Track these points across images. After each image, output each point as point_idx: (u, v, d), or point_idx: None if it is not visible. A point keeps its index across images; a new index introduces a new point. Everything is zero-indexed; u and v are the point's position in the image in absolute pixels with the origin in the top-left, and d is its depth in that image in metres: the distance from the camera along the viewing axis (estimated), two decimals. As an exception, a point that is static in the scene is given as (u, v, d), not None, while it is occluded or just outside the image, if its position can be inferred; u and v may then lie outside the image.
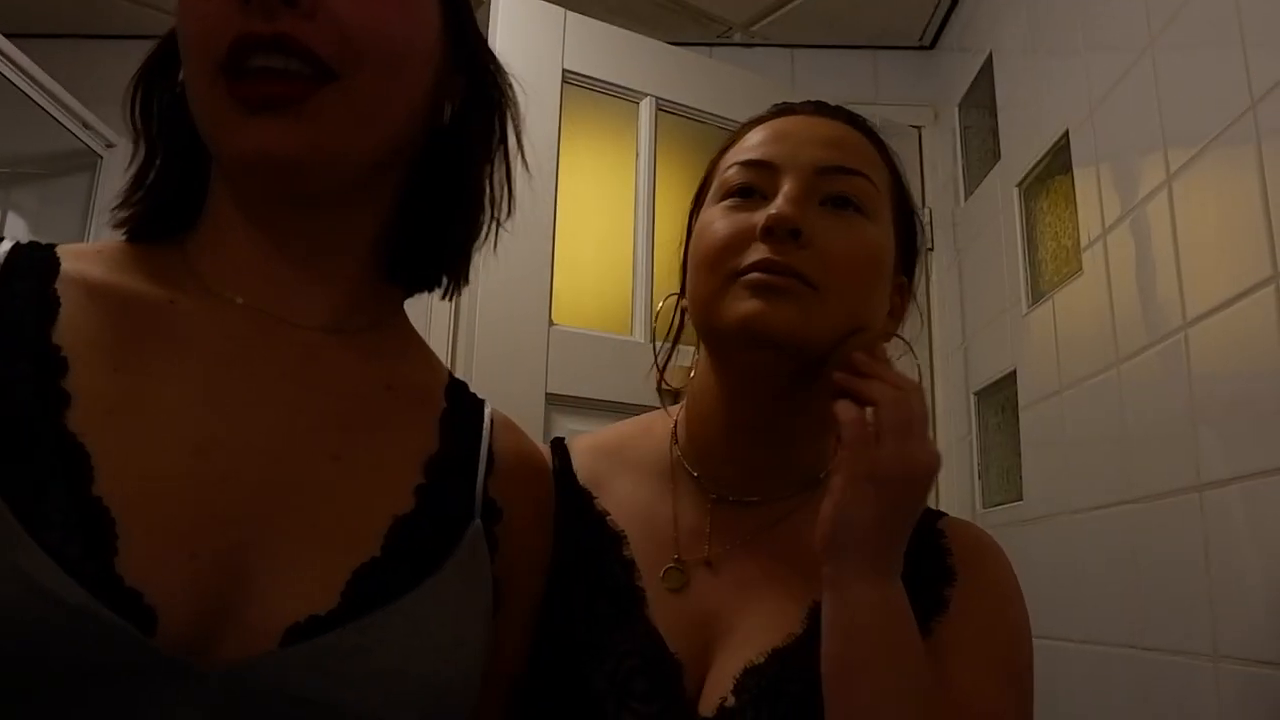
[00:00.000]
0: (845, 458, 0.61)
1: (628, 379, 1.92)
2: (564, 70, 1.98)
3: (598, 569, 0.70)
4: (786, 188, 0.68)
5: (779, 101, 0.79)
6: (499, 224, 0.67)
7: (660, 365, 0.80)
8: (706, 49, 2.50)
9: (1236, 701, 1.11)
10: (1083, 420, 1.51)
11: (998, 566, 0.72)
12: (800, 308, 0.65)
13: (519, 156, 0.67)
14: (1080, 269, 1.57)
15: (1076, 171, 1.60)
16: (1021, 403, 1.76)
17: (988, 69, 2.05)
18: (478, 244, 0.67)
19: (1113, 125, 1.48)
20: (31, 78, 2.14)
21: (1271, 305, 1.06)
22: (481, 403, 0.68)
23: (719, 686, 0.64)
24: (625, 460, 0.78)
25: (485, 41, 0.64)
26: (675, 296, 0.79)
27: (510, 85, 0.66)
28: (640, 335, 1.97)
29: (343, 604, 0.49)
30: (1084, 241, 1.56)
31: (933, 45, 2.45)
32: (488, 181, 0.66)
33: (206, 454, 0.50)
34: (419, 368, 0.65)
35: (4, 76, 2.08)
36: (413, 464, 0.58)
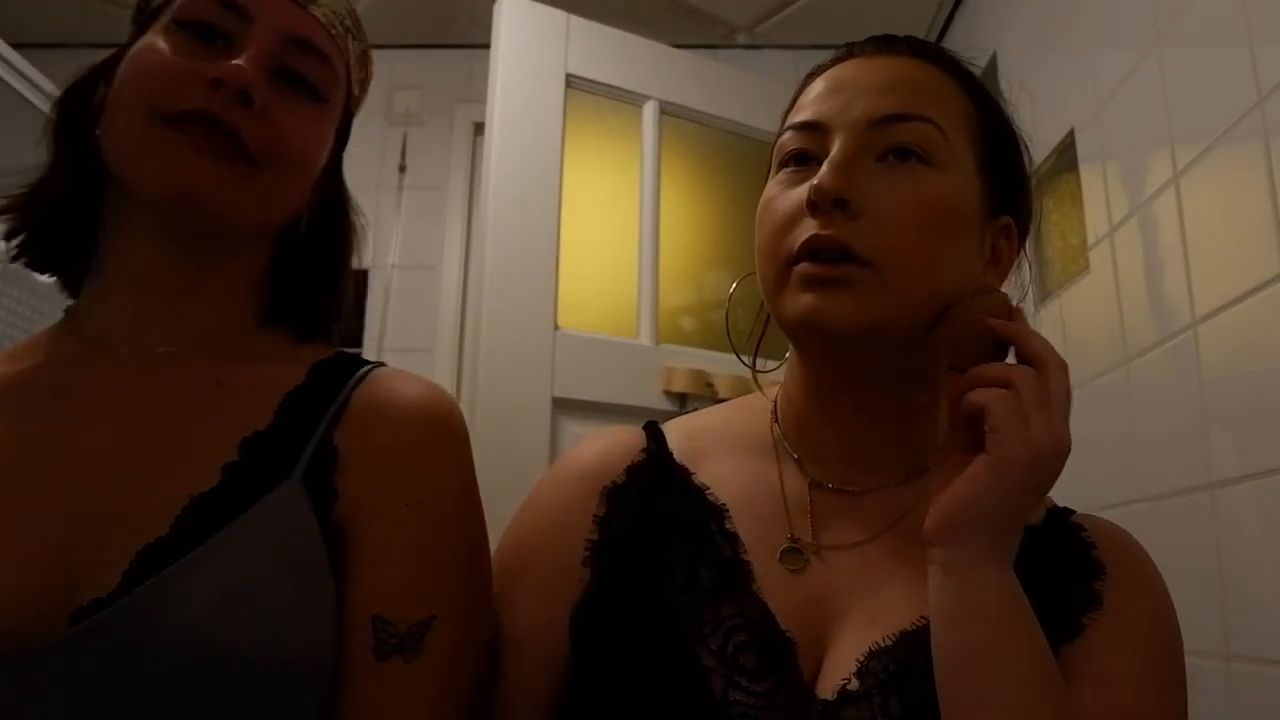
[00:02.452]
0: (996, 440, 0.56)
1: (634, 383, 1.92)
2: (567, 74, 1.98)
3: (698, 541, 0.66)
4: (833, 151, 0.63)
5: (818, 68, 0.72)
6: (340, 305, 0.77)
7: (753, 351, 0.75)
8: (710, 51, 2.50)
9: (1249, 701, 1.11)
10: (1092, 419, 1.50)
11: (1147, 563, 0.67)
12: (858, 296, 0.60)
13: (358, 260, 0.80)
14: (1087, 267, 1.56)
15: (1083, 170, 1.60)
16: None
17: (992, 68, 2.04)
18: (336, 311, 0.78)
19: (1119, 123, 1.47)
20: (37, 86, 2.14)
21: (1281, 302, 1.05)
22: (368, 366, 0.71)
23: (839, 668, 0.60)
24: (724, 438, 0.73)
25: (342, 177, 0.78)
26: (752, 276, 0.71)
27: (357, 214, 0.79)
28: (646, 339, 1.97)
29: (121, 585, 0.56)
30: (1091, 240, 1.55)
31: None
32: (333, 274, 0.77)
33: (46, 477, 0.60)
34: (271, 366, 0.69)
35: (8, 85, 2.09)
36: (231, 445, 0.63)
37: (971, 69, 0.71)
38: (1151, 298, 1.35)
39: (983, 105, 0.68)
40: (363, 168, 2.56)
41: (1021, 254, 0.71)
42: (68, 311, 0.70)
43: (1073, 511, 0.71)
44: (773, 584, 0.64)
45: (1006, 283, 0.70)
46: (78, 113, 0.68)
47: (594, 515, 0.69)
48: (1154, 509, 1.31)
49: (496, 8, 1.92)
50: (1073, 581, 0.64)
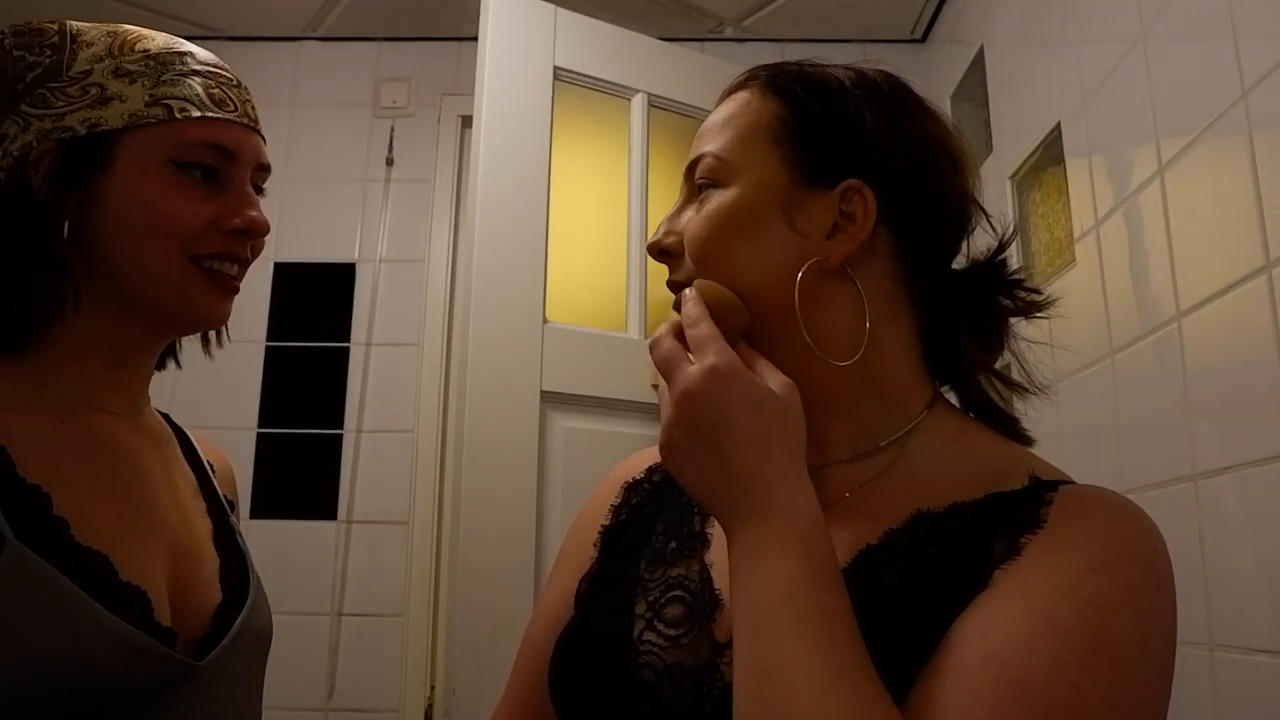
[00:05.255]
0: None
1: (623, 376, 1.92)
2: (555, 67, 1.97)
3: (679, 521, 0.75)
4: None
5: None
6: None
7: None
8: (698, 44, 2.50)
9: (1232, 690, 1.12)
10: (1077, 411, 1.51)
11: (1105, 523, 0.60)
12: None
13: None
14: (1073, 260, 1.57)
15: (1069, 163, 1.60)
16: (1015, 394, 1.76)
17: (979, 62, 2.05)
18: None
19: (1105, 117, 1.48)
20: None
21: (1264, 294, 1.06)
22: (179, 427, 0.90)
23: None
24: None
25: None
26: None
27: None
28: (635, 332, 1.97)
29: (225, 594, 0.79)
30: (1077, 233, 1.56)
31: (924, 39, 2.45)
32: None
33: (156, 533, 0.76)
34: (158, 420, 0.87)
35: None
36: (195, 494, 0.85)
37: (810, 68, 0.74)
38: (1137, 291, 1.36)
39: (795, 98, 0.71)
40: (350, 160, 2.57)
41: (867, 203, 0.70)
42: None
43: (1069, 482, 0.67)
44: (723, 551, 0.67)
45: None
46: (50, 209, 0.74)
47: (611, 505, 0.80)
48: (1138, 500, 1.32)
49: (484, 0, 1.92)
50: (1002, 536, 0.59)
